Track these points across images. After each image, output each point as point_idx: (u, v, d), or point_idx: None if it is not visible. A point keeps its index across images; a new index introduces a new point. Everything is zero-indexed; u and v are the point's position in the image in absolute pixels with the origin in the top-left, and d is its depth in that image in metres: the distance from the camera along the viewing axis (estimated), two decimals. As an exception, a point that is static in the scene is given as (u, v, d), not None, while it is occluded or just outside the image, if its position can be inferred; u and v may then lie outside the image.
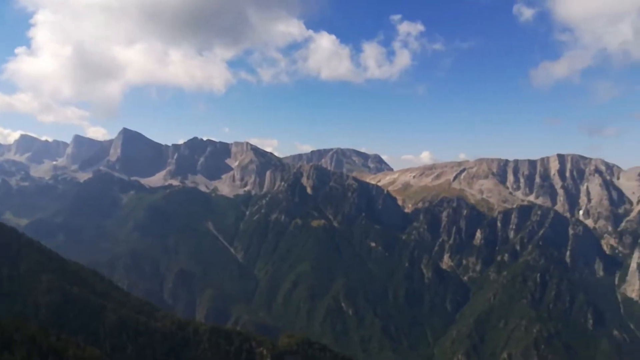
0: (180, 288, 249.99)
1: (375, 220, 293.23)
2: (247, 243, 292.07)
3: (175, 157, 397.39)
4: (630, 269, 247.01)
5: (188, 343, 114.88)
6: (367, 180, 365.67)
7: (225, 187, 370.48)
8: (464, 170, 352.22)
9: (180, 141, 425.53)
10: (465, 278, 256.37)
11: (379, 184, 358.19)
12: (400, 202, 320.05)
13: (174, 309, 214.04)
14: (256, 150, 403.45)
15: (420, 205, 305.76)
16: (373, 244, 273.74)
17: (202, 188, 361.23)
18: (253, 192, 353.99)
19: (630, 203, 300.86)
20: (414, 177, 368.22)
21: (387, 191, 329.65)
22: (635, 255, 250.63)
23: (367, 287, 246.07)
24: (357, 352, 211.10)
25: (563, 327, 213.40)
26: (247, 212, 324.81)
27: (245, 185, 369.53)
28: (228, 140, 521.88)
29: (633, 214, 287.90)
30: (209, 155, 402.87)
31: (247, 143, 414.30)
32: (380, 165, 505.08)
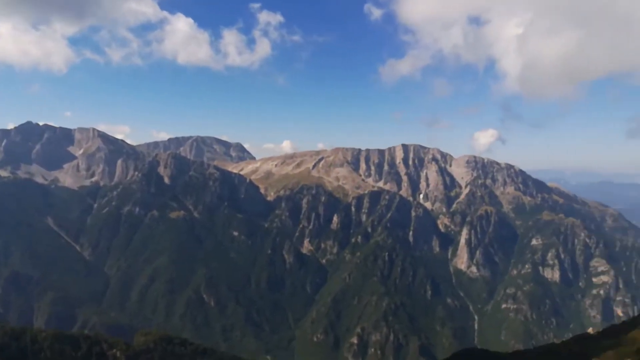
0: (13, 294, 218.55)
1: (237, 209, 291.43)
2: (96, 239, 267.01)
3: (3, 144, 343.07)
4: (460, 244, 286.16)
5: (25, 354, 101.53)
6: (229, 169, 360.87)
7: (67, 178, 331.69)
8: (322, 159, 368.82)
9: (10, 126, 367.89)
10: (324, 261, 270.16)
11: (242, 172, 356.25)
12: (262, 191, 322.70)
13: (6, 319, 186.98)
14: (105, 137, 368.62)
15: (282, 193, 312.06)
16: (236, 233, 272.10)
17: (39, 179, 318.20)
18: (102, 183, 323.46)
19: (460, 187, 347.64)
20: (275, 165, 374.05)
21: (250, 180, 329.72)
22: (464, 232, 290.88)
23: (229, 277, 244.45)
24: (219, 342, 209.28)
25: (407, 299, 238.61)
26: (95, 205, 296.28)
27: (93, 175, 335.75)
28: (71, 125, 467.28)
29: (462, 197, 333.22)
30: (47, 143, 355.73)
31: (94, 129, 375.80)
32: (243, 154, 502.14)
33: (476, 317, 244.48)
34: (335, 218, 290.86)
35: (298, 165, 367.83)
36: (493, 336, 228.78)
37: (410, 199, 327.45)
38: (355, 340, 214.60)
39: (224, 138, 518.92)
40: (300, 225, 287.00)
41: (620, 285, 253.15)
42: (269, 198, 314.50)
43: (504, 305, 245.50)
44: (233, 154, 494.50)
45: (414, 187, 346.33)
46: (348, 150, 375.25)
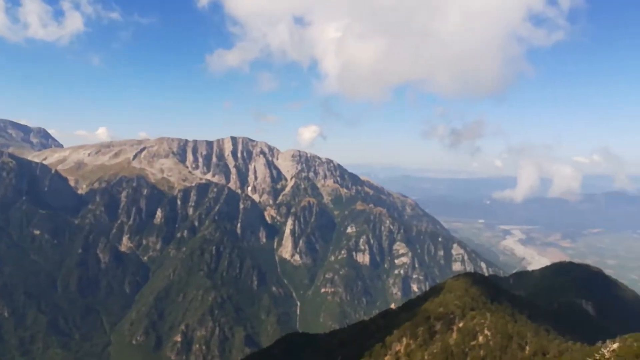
0: None
1: (40, 204, 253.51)
2: None
3: None
4: (285, 234, 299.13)
5: None
6: (30, 157, 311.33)
7: None
8: (144, 148, 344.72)
9: None
10: (146, 258, 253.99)
11: (45, 162, 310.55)
12: (72, 183, 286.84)
13: None
14: None
15: (96, 185, 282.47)
16: (37, 232, 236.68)
17: None
18: None
19: (286, 180, 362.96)
20: (88, 155, 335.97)
21: (56, 170, 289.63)
22: (289, 222, 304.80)
23: (28, 282, 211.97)
24: (16, 356, 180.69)
25: (234, 291, 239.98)
26: None
27: None
28: None
29: (288, 189, 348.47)
30: None
31: None
32: (47, 140, 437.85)
33: (298, 303, 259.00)
34: (159, 212, 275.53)
35: (116, 155, 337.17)
36: (313, 319, 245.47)
37: (239, 191, 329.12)
38: (179, 338, 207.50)
39: (23, 122, 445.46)
40: (119, 221, 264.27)
41: (416, 265, 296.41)
42: (80, 191, 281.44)
43: (323, 290, 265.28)
44: (34, 140, 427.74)
45: (243, 180, 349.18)
46: (174, 141, 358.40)
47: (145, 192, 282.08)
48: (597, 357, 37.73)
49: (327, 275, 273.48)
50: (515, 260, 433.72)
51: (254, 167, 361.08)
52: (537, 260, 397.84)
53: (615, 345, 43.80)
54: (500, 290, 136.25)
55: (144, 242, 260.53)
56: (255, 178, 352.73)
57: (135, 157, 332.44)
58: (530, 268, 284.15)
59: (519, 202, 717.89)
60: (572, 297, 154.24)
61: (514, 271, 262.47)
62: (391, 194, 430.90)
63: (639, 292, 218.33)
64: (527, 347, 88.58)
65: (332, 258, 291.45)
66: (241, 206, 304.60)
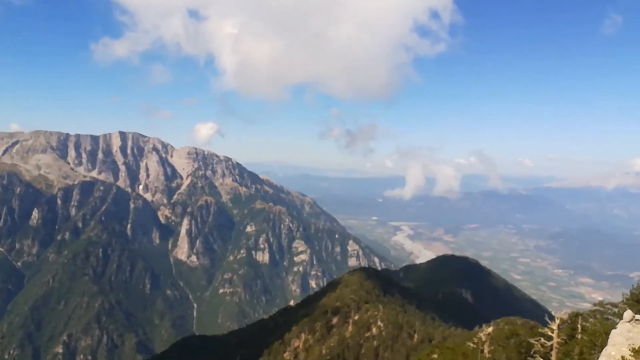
0: None
1: None
2: None
3: None
4: (181, 234, 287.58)
5: None
6: None
7: None
8: (17, 142, 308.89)
9: None
10: (19, 263, 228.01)
11: None
12: None
13: None
14: None
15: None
16: None
17: None
18: None
19: (181, 178, 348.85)
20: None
21: None
22: (185, 222, 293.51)
23: None
24: None
25: (124, 296, 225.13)
26: None
27: None
28: None
29: (183, 187, 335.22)
30: None
31: None
32: None
33: (195, 305, 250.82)
34: (35, 213, 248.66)
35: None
36: (211, 321, 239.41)
37: (129, 190, 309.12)
38: (60, 349, 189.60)
39: None
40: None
41: (315, 262, 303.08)
42: None
43: (221, 290, 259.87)
44: None
45: (133, 178, 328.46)
46: (53, 135, 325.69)
47: (18, 190, 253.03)
48: (475, 341, 41.89)
49: (225, 276, 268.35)
50: (405, 254, 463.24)
51: (146, 164, 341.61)
52: (423, 254, 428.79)
53: (490, 329, 49.04)
54: (392, 283, 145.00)
55: (18, 245, 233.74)
56: (148, 176, 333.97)
57: (5, 151, 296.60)
58: (418, 261, 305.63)
59: (408, 200, 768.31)
60: (454, 287, 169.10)
61: (404, 265, 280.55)
62: (290, 193, 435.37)
63: (509, 281, 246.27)
64: (416, 335, 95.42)
65: (231, 258, 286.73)
66: (131, 206, 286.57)
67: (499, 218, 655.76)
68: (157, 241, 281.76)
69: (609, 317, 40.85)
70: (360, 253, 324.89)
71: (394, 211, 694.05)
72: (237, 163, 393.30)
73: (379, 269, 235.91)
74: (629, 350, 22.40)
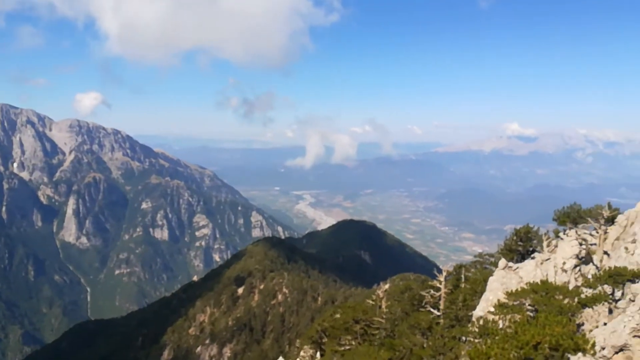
0: None
1: None
2: None
3: None
4: (67, 215, 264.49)
5: None
6: None
7: None
8: None
9: None
10: None
11: None
12: None
13: None
14: None
15: None
16: None
17: None
18: None
19: (63, 153, 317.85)
20: None
21: None
22: (71, 202, 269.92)
23: None
24: None
25: (4, 285, 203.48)
26: None
27: None
28: None
29: (66, 164, 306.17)
30: None
31: None
32: None
33: (89, 289, 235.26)
34: None
35: None
36: (108, 304, 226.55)
37: (1, 168, 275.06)
38: None
39: None
40: None
41: (217, 235, 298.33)
42: None
43: (117, 272, 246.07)
44: None
45: (5, 155, 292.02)
46: None
47: None
48: (374, 298, 44.72)
49: (121, 256, 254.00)
50: (308, 222, 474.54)
51: (20, 139, 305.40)
52: (325, 221, 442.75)
53: (386, 286, 52.63)
54: (296, 250, 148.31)
55: None
56: (23, 152, 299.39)
57: None
58: (319, 228, 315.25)
59: (309, 169, 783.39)
60: (354, 250, 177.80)
61: (307, 232, 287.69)
62: (189, 166, 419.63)
63: (402, 240, 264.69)
64: (320, 298, 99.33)
65: (126, 237, 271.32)
66: (5, 186, 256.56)
67: (393, 183, 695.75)
68: (40, 224, 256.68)
69: (487, 266, 45.88)
70: (264, 223, 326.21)
71: (296, 180, 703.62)
72: (128, 136, 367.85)
73: (283, 237, 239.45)
74: (504, 294, 25.41)
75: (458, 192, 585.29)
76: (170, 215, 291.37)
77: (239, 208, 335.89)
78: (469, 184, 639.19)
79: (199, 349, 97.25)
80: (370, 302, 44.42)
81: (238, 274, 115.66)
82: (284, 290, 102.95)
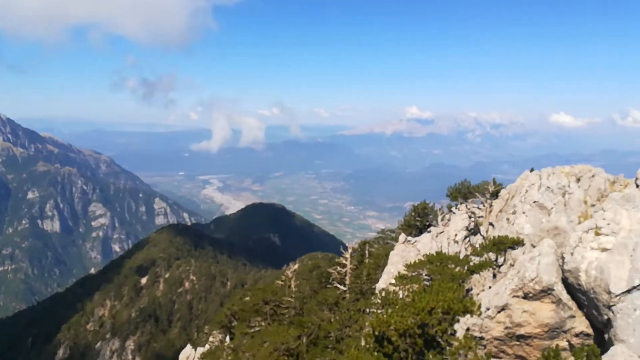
0: None
1: None
2: None
3: None
4: None
5: None
6: None
7: None
8: None
9: None
10: None
11: None
12: None
13: None
14: None
15: None
16: None
17: None
18: None
19: None
20: None
21: None
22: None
23: None
24: None
25: None
26: None
27: None
28: None
29: None
30: None
31: None
32: None
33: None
34: None
35: None
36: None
37: None
38: None
39: None
40: None
41: (117, 224, 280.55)
42: None
43: (1, 268, 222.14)
44: None
45: None
46: None
47: None
48: (283, 279, 45.20)
49: (4, 251, 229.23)
50: (215, 207, 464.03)
51: None
52: (233, 205, 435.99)
53: (296, 266, 53.41)
54: (203, 236, 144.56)
55: None
56: None
57: None
58: (228, 213, 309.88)
59: (215, 153, 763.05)
60: (263, 233, 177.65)
61: (215, 217, 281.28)
62: (82, 151, 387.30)
63: (311, 221, 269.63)
64: (229, 283, 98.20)
65: (10, 230, 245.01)
66: None
67: (301, 165, 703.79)
68: None
69: (389, 241, 48.42)
70: (168, 210, 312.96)
71: (202, 165, 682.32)
72: (9, 119, 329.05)
73: (189, 224, 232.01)
74: (404, 266, 26.99)
75: (362, 173, 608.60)
76: (61, 205, 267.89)
77: (140, 195, 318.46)
78: (373, 165, 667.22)
79: (98, 344, 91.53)
80: (280, 282, 44.83)
81: (141, 263, 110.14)
82: (191, 277, 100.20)
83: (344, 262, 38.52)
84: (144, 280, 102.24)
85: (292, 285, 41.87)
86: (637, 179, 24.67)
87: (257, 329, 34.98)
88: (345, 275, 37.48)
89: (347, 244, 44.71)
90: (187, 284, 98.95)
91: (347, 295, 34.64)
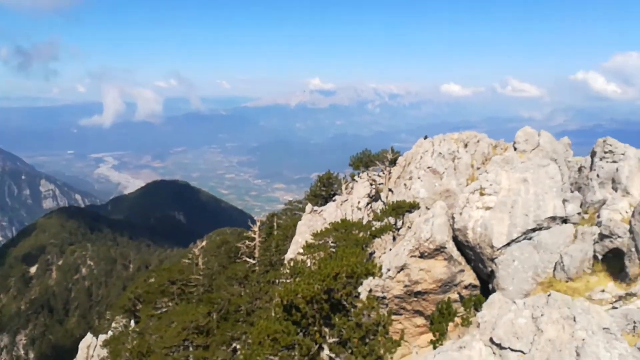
0: None
1: None
2: None
3: None
4: None
5: None
6: None
7: None
8: None
9: None
10: None
11: None
12: None
13: None
14: None
15: None
16: None
17: None
18: None
19: None
20: None
21: None
22: None
23: None
24: None
25: None
26: None
27: None
28: None
29: None
30: None
31: None
32: None
33: None
34: None
35: None
36: None
37: None
38: None
39: None
40: None
41: None
42: None
43: None
44: None
45: None
46: None
47: None
48: (190, 257, 44.05)
49: None
50: (112, 186, 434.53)
51: None
52: (132, 184, 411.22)
53: (203, 243, 52.24)
54: (99, 218, 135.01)
55: None
56: None
57: None
58: (126, 192, 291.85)
59: (108, 128, 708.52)
60: (167, 211, 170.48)
61: (112, 197, 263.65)
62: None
63: (218, 196, 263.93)
64: (131, 265, 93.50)
65: None
66: None
67: (204, 139, 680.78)
68: None
69: (297, 212, 49.18)
70: (57, 192, 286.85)
71: (94, 141, 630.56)
72: None
73: (83, 206, 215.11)
74: (311, 235, 27.62)
75: (268, 145, 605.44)
76: None
77: (23, 177, 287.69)
78: (278, 136, 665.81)
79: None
80: (187, 261, 43.69)
81: (28, 251, 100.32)
82: (89, 262, 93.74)
83: (253, 235, 38.45)
84: (33, 270, 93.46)
85: (200, 263, 41.01)
86: (515, 142, 27.43)
87: (164, 310, 33.91)
88: (254, 249, 37.49)
89: (255, 218, 44.59)
90: (84, 270, 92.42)
91: (257, 268, 34.77)
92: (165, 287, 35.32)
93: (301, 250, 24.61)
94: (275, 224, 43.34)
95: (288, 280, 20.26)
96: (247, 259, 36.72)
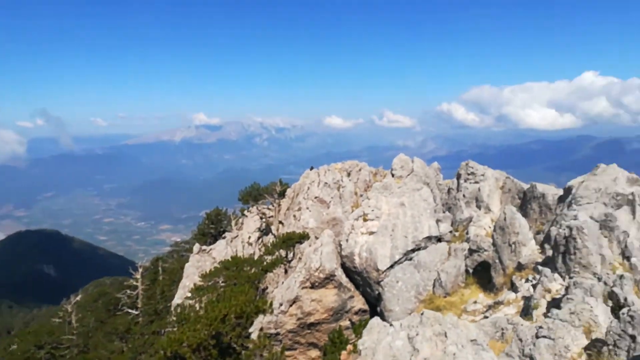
0: None
1: None
2: None
3: None
4: None
5: None
6: None
7: None
8: None
9: None
10: None
11: None
12: None
13: None
14: None
15: None
16: None
17: None
18: None
19: None
20: None
21: None
22: None
23: None
24: None
25: None
26: None
27: None
28: None
29: None
30: None
31: None
32: None
33: None
34: None
35: None
36: None
37: None
38: None
39: None
40: None
41: None
42: None
43: None
44: None
45: None
46: None
47: None
48: (61, 315, 39.12)
49: None
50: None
51: None
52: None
53: (78, 297, 46.80)
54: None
55: None
56: None
57: None
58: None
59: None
60: (33, 265, 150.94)
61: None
62: None
63: (94, 244, 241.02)
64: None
65: None
66: None
67: (77, 182, 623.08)
68: None
69: (184, 253, 46.64)
70: None
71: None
72: None
73: None
74: (199, 277, 26.18)
75: (152, 184, 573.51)
76: None
77: None
78: (163, 174, 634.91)
79: None
80: (58, 320, 38.69)
81: None
82: None
83: (135, 283, 35.47)
84: None
85: (74, 321, 36.55)
86: (392, 169, 29.26)
87: (30, 380, 29.37)
88: (137, 298, 34.49)
89: (137, 264, 41.24)
90: None
91: (140, 319, 31.92)
92: (31, 354, 30.73)
93: (189, 294, 23.15)
94: (160, 268, 40.56)
95: (174, 329, 18.83)
96: (129, 310, 33.62)
